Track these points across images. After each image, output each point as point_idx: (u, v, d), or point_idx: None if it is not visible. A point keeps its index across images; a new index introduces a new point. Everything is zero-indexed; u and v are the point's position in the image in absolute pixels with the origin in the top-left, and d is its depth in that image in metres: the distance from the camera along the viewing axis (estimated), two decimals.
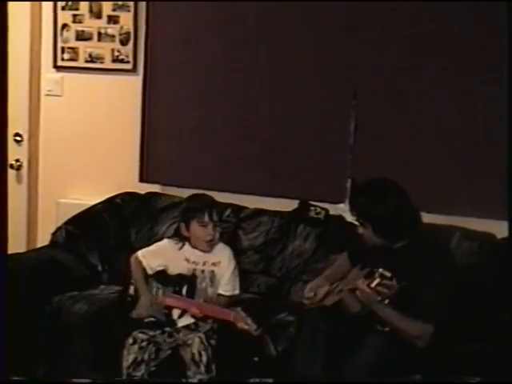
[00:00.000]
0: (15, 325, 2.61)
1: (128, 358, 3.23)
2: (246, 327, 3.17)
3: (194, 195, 3.68)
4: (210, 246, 3.48)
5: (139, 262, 3.52)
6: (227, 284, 3.49)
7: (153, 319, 3.37)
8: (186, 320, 3.36)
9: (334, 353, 3.00)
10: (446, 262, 3.04)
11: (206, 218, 3.44)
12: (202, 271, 3.47)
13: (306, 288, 3.28)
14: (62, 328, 3.60)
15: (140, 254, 3.56)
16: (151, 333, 3.29)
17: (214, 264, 3.49)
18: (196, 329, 3.30)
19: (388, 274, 3.00)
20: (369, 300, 2.92)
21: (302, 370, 3.04)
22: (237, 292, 3.53)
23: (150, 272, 3.50)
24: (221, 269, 3.49)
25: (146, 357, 3.23)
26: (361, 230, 3.09)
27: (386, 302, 2.88)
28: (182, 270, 3.46)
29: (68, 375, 3.53)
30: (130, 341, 3.25)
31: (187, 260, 3.48)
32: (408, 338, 2.90)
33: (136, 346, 3.24)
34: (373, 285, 2.87)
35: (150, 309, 3.39)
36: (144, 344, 3.24)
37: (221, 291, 3.48)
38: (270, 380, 3.19)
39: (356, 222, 3.14)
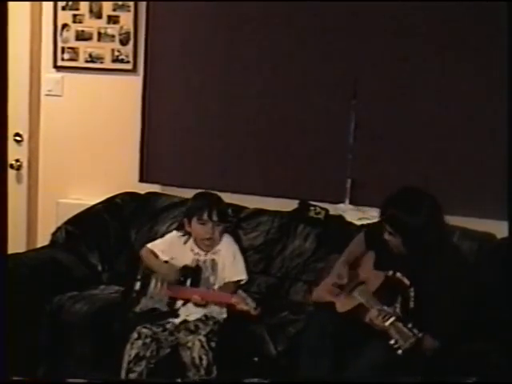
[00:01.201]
0: (15, 325, 2.61)
1: (131, 352, 3.25)
2: (245, 308, 3.17)
3: (200, 193, 3.68)
4: (209, 245, 3.49)
5: (151, 251, 3.57)
6: (230, 269, 3.48)
7: (157, 311, 3.40)
8: (189, 310, 3.37)
9: (338, 354, 3.00)
10: (466, 280, 2.98)
11: (205, 217, 3.45)
12: (204, 261, 3.49)
13: (335, 275, 3.21)
14: (62, 328, 3.59)
15: (150, 245, 3.62)
16: (154, 329, 3.30)
17: (214, 253, 3.51)
18: (196, 331, 3.30)
19: (407, 282, 2.97)
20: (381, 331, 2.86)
21: (307, 370, 3.04)
22: (244, 277, 3.51)
23: (162, 257, 3.54)
24: (221, 256, 3.49)
25: (147, 353, 3.25)
26: (387, 237, 3.02)
27: (400, 352, 2.76)
28: (187, 260, 3.48)
29: (68, 375, 3.52)
30: (135, 335, 3.27)
31: (192, 250, 3.52)
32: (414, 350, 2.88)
33: (140, 342, 3.25)
34: (387, 323, 2.81)
35: (158, 299, 3.41)
36: (148, 340, 3.26)
37: (226, 279, 3.46)
38: (266, 380, 3.18)
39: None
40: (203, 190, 3.72)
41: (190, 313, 3.38)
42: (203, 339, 3.22)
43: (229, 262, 3.49)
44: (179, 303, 3.39)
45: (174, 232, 3.69)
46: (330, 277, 3.28)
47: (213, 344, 3.23)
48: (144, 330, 3.28)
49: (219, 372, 3.20)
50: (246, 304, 3.17)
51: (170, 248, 3.57)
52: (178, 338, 3.29)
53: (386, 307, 2.91)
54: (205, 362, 3.18)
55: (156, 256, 3.55)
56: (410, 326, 2.79)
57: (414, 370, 2.92)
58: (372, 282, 3.07)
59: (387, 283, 3.03)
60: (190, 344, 3.22)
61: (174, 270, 3.45)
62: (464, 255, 3.23)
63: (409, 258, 3.01)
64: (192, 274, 3.41)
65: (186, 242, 3.55)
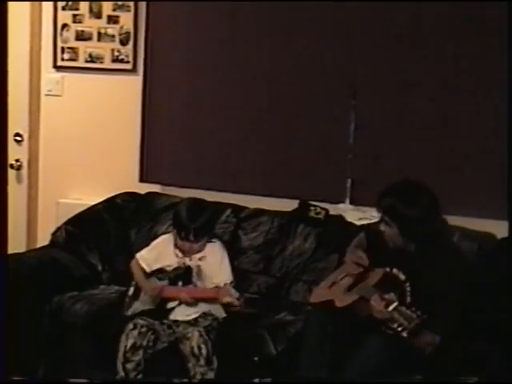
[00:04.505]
0: (15, 325, 2.61)
1: (127, 342, 3.26)
2: (229, 300, 3.19)
3: (182, 206, 3.54)
4: (187, 253, 3.46)
5: (138, 264, 3.56)
6: (218, 275, 3.43)
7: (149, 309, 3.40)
8: (181, 310, 3.36)
9: (337, 352, 3.00)
10: (464, 275, 3.00)
11: (183, 235, 3.41)
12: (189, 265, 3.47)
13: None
14: (61, 328, 3.60)
15: (138, 256, 3.59)
16: (151, 320, 3.31)
17: (199, 259, 3.48)
18: (195, 324, 3.31)
19: (402, 277, 2.99)
20: (384, 319, 2.88)
21: (307, 370, 3.04)
22: (230, 279, 3.42)
23: (148, 270, 3.52)
24: (207, 263, 3.46)
25: (144, 343, 3.26)
26: (383, 228, 3.05)
27: (405, 334, 2.79)
28: (174, 264, 3.47)
29: (68, 375, 3.53)
30: (131, 326, 3.28)
31: (176, 255, 3.49)
32: (415, 346, 2.89)
33: (136, 332, 3.27)
34: (390, 308, 2.83)
35: (149, 302, 3.40)
36: (144, 330, 3.27)
37: (214, 284, 3.40)
38: (269, 380, 3.19)
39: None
40: (190, 200, 3.60)
41: (188, 313, 3.37)
42: (202, 330, 3.24)
43: (216, 268, 3.46)
44: (171, 304, 3.38)
45: (161, 237, 3.66)
46: (327, 279, 3.30)
47: (212, 336, 3.24)
48: (140, 321, 3.30)
49: (220, 367, 3.20)
50: (229, 296, 3.19)
51: (157, 254, 3.54)
52: (176, 332, 3.30)
53: (386, 295, 2.92)
54: (204, 352, 3.19)
55: (143, 269, 3.52)
56: (412, 309, 2.81)
57: (414, 367, 2.93)
58: (371, 279, 3.08)
59: (385, 279, 3.04)
60: (189, 335, 3.23)
61: (155, 288, 3.41)
62: (463, 254, 3.23)
63: (404, 253, 3.03)
64: (182, 276, 3.41)
65: (171, 245, 3.51)
